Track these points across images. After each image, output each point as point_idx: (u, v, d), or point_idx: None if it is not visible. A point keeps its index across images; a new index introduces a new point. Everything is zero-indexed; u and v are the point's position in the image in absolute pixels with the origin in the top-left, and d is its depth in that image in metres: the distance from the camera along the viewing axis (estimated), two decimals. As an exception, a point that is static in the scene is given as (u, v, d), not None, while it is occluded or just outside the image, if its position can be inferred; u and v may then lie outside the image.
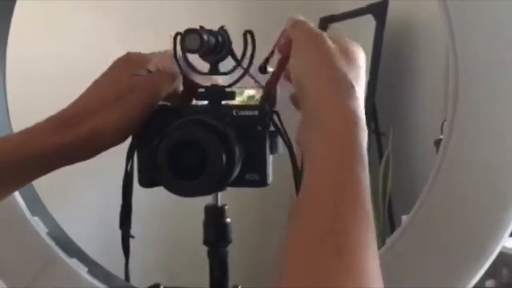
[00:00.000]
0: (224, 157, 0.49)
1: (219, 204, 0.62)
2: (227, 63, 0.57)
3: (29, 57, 1.89)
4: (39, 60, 1.98)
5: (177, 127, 0.51)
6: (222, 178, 0.50)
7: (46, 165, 0.53)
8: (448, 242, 0.61)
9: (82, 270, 0.75)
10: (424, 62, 2.15)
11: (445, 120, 0.62)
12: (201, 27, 0.53)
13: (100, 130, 0.52)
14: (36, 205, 0.77)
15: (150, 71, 0.56)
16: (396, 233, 0.63)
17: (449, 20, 0.58)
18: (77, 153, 0.53)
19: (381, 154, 1.98)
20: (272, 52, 0.56)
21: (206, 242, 0.62)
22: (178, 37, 0.53)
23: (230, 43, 0.56)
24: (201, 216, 0.62)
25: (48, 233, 0.75)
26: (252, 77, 0.56)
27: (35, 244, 0.74)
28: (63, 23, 2.07)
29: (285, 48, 0.54)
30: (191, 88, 0.58)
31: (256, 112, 0.53)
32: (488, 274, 0.62)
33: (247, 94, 0.73)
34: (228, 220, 0.62)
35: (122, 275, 0.62)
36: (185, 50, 0.52)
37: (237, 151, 0.51)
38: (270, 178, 0.54)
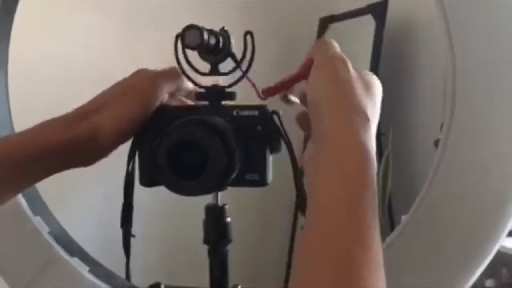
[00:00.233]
0: (224, 157, 0.50)
1: (220, 203, 0.62)
2: (227, 64, 0.57)
3: (30, 57, 1.89)
4: (40, 60, 1.98)
5: (177, 127, 0.51)
6: (222, 178, 0.51)
7: (47, 165, 0.53)
8: (446, 242, 0.61)
9: (83, 269, 0.75)
10: (424, 62, 2.15)
11: (444, 120, 0.62)
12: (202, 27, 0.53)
13: (100, 128, 0.52)
14: (38, 205, 0.77)
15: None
16: (394, 233, 0.63)
17: (446, 21, 0.58)
18: (78, 152, 0.53)
19: (381, 154, 1.98)
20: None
21: (206, 241, 0.62)
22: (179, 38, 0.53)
23: (230, 44, 0.56)
24: (201, 216, 0.62)
25: (50, 233, 0.75)
26: (250, 81, 0.56)
27: (36, 243, 0.74)
28: (64, 23, 2.07)
29: (303, 67, 0.53)
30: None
31: (256, 112, 0.54)
32: (487, 274, 0.63)
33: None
34: (228, 219, 0.62)
35: (123, 274, 0.62)
36: (184, 46, 0.52)
37: (237, 151, 0.51)
38: (270, 178, 0.55)
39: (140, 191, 0.58)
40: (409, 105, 2.20)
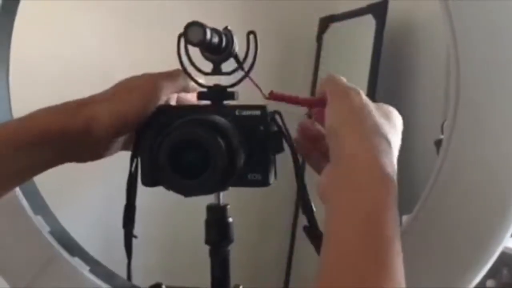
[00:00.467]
0: (226, 157, 0.50)
1: (221, 203, 0.62)
2: (230, 64, 0.57)
3: (30, 57, 1.89)
4: (40, 60, 1.98)
5: (178, 127, 0.51)
6: (224, 178, 0.50)
7: (46, 153, 0.52)
8: (449, 243, 0.61)
9: (84, 269, 0.75)
10: (424, 62, 2.15)
11: (445, 120, 0.62)
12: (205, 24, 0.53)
13: (96, 118, 0.52)
14: (38, 204, 0.77)
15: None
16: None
17: (451, 20, 0.58)
18: (74, 142, 0.52)
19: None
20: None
21: (207, 241, 0.62)
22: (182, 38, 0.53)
23: (233, 43, 0.56)
24: (202, 216, 0.62)
25: (50, 232, 0.75)
26: (252, 81, 0.56)
27: (37, 242, 0.74)
28: (64, 23, 2.07)
29: (317, 98, 0.54)
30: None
31: (258, 112, 0.53)
32: (488, 274, 0.62)
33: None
34: (230, 219, 0.62)
35: (124, 274, 0.62)
36: (187, 42, 0.52)
37: (239, 150, 0.51)
38: (272, 178, 0.55)
39: (141, 191, 0.58)
40: (409, 105, 2.20)
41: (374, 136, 0.47)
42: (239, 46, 0.57)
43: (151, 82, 0.54)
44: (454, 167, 0.60)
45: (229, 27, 0.56)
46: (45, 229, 0.74)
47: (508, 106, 0.59)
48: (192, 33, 0.50)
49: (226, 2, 2.25)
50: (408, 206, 0.64)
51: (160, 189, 0.55)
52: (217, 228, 0.62)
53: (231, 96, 0.56)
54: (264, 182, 0.54)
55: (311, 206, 0.54)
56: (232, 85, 0.56)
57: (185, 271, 1.80)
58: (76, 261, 0.75)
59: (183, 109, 0.56)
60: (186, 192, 0.52)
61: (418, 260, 0.62)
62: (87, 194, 2.18)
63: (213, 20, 0.56)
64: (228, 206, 0.62)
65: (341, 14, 2.34)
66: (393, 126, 0.51)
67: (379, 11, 2.10)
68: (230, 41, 0.55)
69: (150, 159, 0.53)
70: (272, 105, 0.55)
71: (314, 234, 0.53)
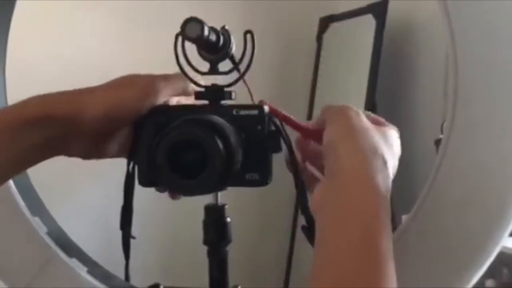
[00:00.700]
0: (224, 156, 0.49)
1: (219, 203, 0.62)
2: (227, 63, 0.57)
3: (30, 57, 1.89)
4: (40, 60, 1.98)
5: (176, 127, 0.51)
6: (222, 177, 0.50)
7: (40, 139, 0.51)
8: (447, 242, 0.61)
9: (82, 270, 0.75)
10: (424, 62, 2.15)
11: (445, 120, 0.62)
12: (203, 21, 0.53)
13: (88, 104, 0.52)
14: (36, 205, 0.77)
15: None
16: (395, 233, 0.63)
17: (449, 20, 0.58)
18: (62, 128, 0.52)
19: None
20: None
21: (206, 241, 0.62)
22: (179, 38, 0.53)
23: (230, 43, 0.56)
24: (201, 216, 0.62)
25: (48, 233, 0.74)
26: (246, 85, 0.56)
27: (35, 244, 0.73)
28: (64, 23, 2.07)
29: (315, 125, 0.55)
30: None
31: (255, 112, 0.53)
32: (488, 274, 0.62)
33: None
34: (228, 219, 0.62)
35: (121, 275, 0.62)
36: (184, 37, 0.51)
37: (236, 149, 0.51)
38: (270, 177, 0.54)
39: (139, 191, 0.58)
40: (409, 105, 2.20)
41: (370, 154, 0.48)
42: (239, 47, 0.56)
43: (150, 81, 0.54)
44: (452, 167, 0.60)
45: (226, 27, 0.55)
46: (42, 230, 0.74)
47: (506, 106, 0.59)
48: (190, 29, 0.50)
49: (226, 2, 2.25)
50: (408, 206, 0.63)
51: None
52: (215, 228, 0.61)
53: (229, 95, 0.56)
54: (262, 182, 0.54)
55: (309, 206, 0.53)
56: (230, 85, 0.56)
57: (183, 272, 1.80)
58: (74, 262, 0.75)
59: (180, 108, 0.56)
60: (184, 192, 0.52)
61: (416, 259, 0.62)
62: (85, 195, 2.18)
63: (213, 20, 0.56)
64: (226, 206, 0.62)
65: (341, 14, 2.34)
66: (390, 147, 0.52)
67: (379, 11, 2.10)
68: (228, 40, 0.55)
69: (148, 159, 0.53)
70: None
71: (312, 234, 0.53)
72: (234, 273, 0.64)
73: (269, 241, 2.57)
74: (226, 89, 0.56)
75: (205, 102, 0.56)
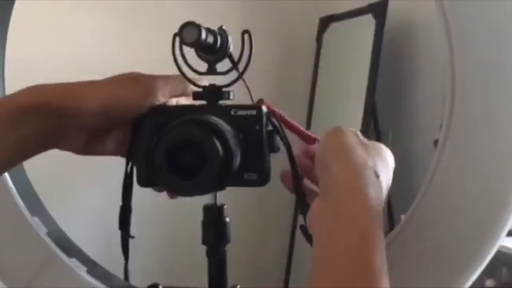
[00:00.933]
0: (222, 156, 0.50)
1: (218, 203, 0.62)
2: (225, 64, 0.57)
3: (29, 57, 1.89)
4: (40, 60, 1.98)
5: (174, 127, 0.51)
6: (220, 177, 0.50)
7: (30, 129, 0.50)
8: (445, 241, 0.61)
9: (82, 270, 0.75)
10: (424, 62, 2.15)
11: (444, 120, 0.62)
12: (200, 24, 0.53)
13: (85, 96, 0.51)
14: (36, 206, 0.77)
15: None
16: (392, 233, 0.63)
17: (446, 20, 0.58)
18: (58, 119, 0.51)
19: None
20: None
21: (205, 241, 0.62)
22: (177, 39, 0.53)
23: (228, 43, 0.56)
24: (200, 216, 0.62)
25: (48, 233, 0.74)
26: (245, 84, 0.56)
27: (34, 244, 0.73)
28: (64, 23, 2.07)
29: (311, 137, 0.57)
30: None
31: (253, 112, 0.53)
32: (487, 274, 0.62)
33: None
34: (227, 219, 0.62)
35: (121, 275, 0.62)
36: (182, 43, 0.51)
37: (235, 149, 0.51)
38: (269, 177, 0.54)
39: (138, 192, 0.58)
40: (409, 105, 2.20)
41: (362, 168, 0.49)
42: (239, 47, 0.56)
43: (150, 81, 0.54)
44: (450, 167, 0.60)
45: (224, 27, 0.55)
46: (42, 230, 0.74)
47: (504, 106, 0.59)
48: (187, 34, 0.50)
49: (226, 2, 2.25)
50: (407, 206, 0.63)
51: (157, 190, 0.55)
52: (214, 228, 0.61)
53: (227, 96, 0.56)
54: (261, 182, 0.54)
55: (308, 205, 0.53)
56: (228, 85, 0.56)
57: (182, 272, 1.80)
58: (73, 262, 0.74)
59: (179, 109, 0.56)
60: (183, 192, 0.52)
61: (413, 260, 0.62)
62: (84, 195, 2.19)
63: (213, 20, 0.56)
64: (225, 206, 0.62)
65: (341, 14, 2.34)
66: (383, 162, 0.53)
67: (379, 11, 2.10)
68: (225, 41, 0.55)
69: (146, 159, 0.53)
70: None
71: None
72: (233, 273, 0.64)
73: (269, 241, 2.57)
74: (224, 89, 0.56)
75: (203, 102, 0.56)
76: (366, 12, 2.17)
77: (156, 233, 2.23)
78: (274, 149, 0.54)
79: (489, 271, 0.60)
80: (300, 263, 2.41)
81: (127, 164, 0.56)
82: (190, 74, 0.56)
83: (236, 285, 0.66)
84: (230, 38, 0.55)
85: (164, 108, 0.55)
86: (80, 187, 2.15)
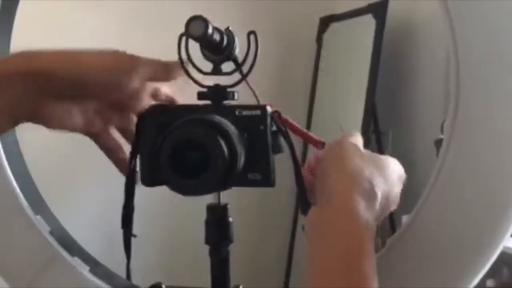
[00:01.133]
0: (226, 156, 0.50)
1: (221, 203, 0.62)
2: (230, 63, 0.57)
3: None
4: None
5: (179, 127, 0.51)
6: (225, 177, 0.50)
7: (22, 91, 0.50)
8: (449, 242, 0.61)
9: (84, 269, 0.75)
10: (424, 62, 2.15)
11: (445, 120, 0.62)
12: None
13: (67, 61, 0.51)
14: (38, 204, 0.77)
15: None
16: (396, 234, 0.63)
17: (450, 20, 0.58)
18: (46, 86, 0.51)
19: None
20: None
21: (207, 241, 0.62)
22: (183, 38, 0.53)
23: (234, 44, 0.56)
24: (203, 216, 0.62)
25: (50, 232, 0.74)
26: (249, 85, 0.56)
27: (37, 242, 0.73)
28: (64, 23, 2.07)
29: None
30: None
31: (258, 112, 0.53)
32: (488, 274, 0.62)
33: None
34: (230, 219, 0.62)
35: (124, 274, 0.62)
36: (188, 36, 0.51)
37: (239, 149, 0.51)
38: (273, 177, 0.55)
39: (141, 191, 0.58)
40: (409, 105, 2.20)
41: (357, 178, 0.50)
42: (239, 47, 0.57)
43: (131, 56, 0.54)
44: (454, 167, 0.60)
45: (230, 28, 0.56)
46: (45, 229, 0.74)
47: (508, 106, 0.59)
48: (194, 27, 0.49)
49: (226, 2, 2.25)
50: (408, 206, 0.64)
51: (160, 189, 0.54)
52: (217, 228, 0.62)
53: (231, 96, 0.56)
54: (264, 182, 0.54)
55: (309, 205, 0.54)
56: (232, 85, 0.56)
57: (185, 271, 1.80)
58: (76, 261, 0.75)
59: (183, 108, 0.56)
60: (187, 191, 0.52)
61: (417, 260, 0.62)
62: (87, 193, 2.18)
63: (213, 20, 0.56)
64: (228, 206, 0.62)
65: (341, 14, 2.34)
66: (382, 175, 0.53)
67: (379, 11, 2.10)
68: (232, 41, 0.55)
69: (150, 159, 0.53)
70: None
71: None
72: (234, 273, 0.64)
73: (269, 241, 2.57)
74: (229, 89, 0.56)
75: (208, 102, 0.56)
76: (366, 12, 2.17)
77: (159, 232, 2.23)
78: (278, 149, 0.54)
79: (490, 271, 0.60)
80: (300, 263, 2.41)
81: (130, 163, 0.56)
82: (195, 74, 0.56)
83: (239, 285, 0.66)
84: (236, 40, 0.56)
85: (168, 108, 0.55)
86: (83, 186, 2.15)
